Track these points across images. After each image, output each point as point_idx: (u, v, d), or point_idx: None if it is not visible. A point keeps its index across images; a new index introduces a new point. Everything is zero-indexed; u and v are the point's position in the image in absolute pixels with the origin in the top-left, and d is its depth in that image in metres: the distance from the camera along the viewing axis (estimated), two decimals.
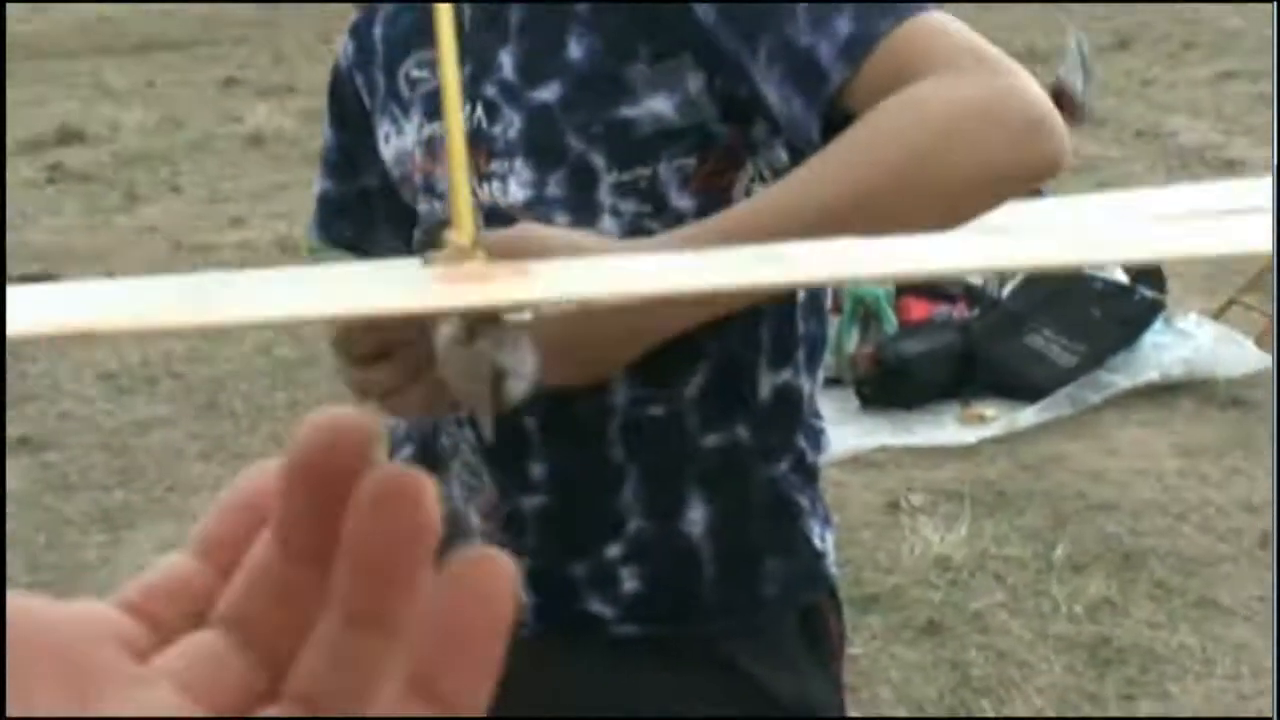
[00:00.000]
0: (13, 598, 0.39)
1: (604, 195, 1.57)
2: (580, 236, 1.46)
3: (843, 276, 0.36)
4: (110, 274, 8.83)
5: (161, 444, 6.05)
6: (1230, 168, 9.61)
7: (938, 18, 1.44)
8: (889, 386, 5.84)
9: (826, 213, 1.35)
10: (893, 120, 1.37)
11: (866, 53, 1.42)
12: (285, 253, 8.99)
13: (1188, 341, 6.06)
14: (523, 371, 0.45)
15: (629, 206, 1.57)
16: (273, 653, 0.43)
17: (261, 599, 0.43)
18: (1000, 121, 1.35)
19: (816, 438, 1.75)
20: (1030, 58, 13.39)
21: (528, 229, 1.47)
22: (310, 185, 1.94)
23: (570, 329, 1.38)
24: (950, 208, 1.37)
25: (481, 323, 0.43)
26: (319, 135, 1.92)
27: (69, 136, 13.24)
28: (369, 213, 1.87)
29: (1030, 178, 1.36)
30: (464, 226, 0.45)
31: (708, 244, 1.37)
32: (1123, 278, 6.31)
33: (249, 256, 9.26)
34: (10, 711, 0.37)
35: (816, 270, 0.38)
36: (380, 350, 1.44)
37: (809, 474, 1.74)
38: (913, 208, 1.36)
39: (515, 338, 0.44)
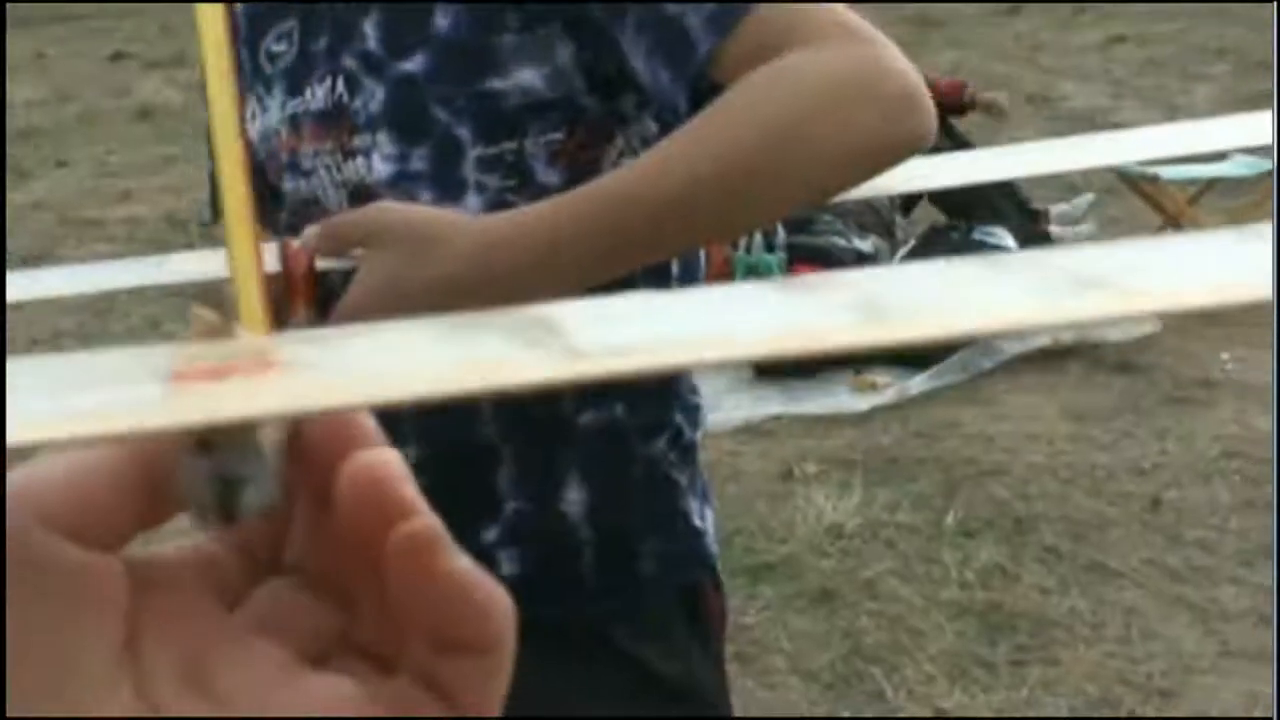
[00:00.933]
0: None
1: (469, 170, 1.54)
2: (437, 214, 1.44)
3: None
4: None
5: None
6: (1119, 132, 9.68)
7: None
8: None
9: (694, 184, 1.33)
10: (761, 92, 1.35)
11: (735, 23, 1.40)
12: (173, 227, 8.92)
13: None
14: (260, 478, 0.42)
15: (494, 181, 1.54)
16: (340, 593, 0.47)
17: (322, 549, 0.47)
18: (870, 96, 1.33)
19: (694, 414, 1.74)
20: (921, 23, 13.47)
21: (383, 209, 1.44)
22: (200, 158, 1.91)
23: (422, 308, 1.36)
24: (818, 180, 1.36)
25: (215, 431, 0.41)
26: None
27: None
28: (258, 187, 1.83)
29: (898, 152, 1.35)
30: (250, 306, 0.42)
31: (569, 218, 1.37)
32: (1011, 243, 6.35)
33: (137, 231, 9.17)
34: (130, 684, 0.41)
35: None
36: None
37: (687, 451, 1.72)
38: (780, 179, 1.34)
39: (251, 444, 0.42)
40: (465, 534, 0.45)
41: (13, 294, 1.62)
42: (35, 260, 8.50)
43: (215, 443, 0.40)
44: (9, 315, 7.01)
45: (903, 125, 1.34)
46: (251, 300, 0.42)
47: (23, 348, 6.86)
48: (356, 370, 0.36)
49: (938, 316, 0.32)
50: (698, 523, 1.74)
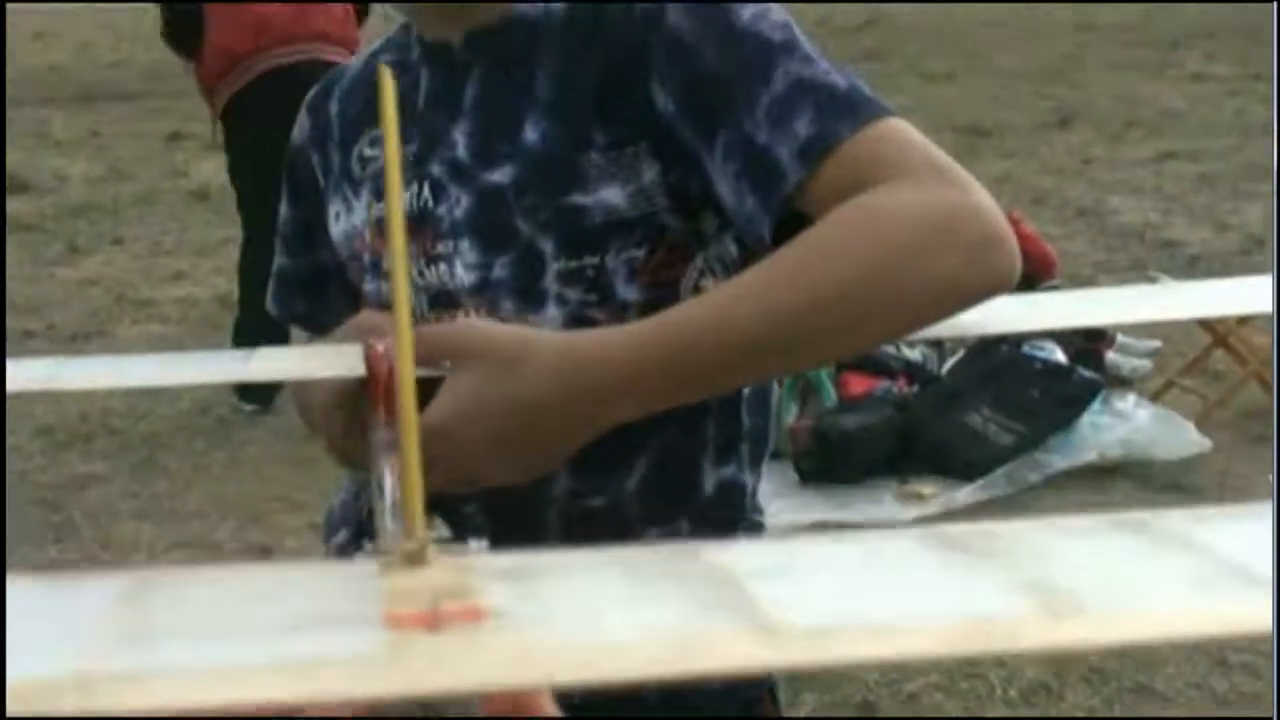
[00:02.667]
0: None
1: (550, 282, 1.56)
2: (522, 333, 1.45)
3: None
4: (50, 326, 8.79)
5: (97, 501, 6.00)
6: (1169, 248, 9.67)
7: (897, 125, 1.43)
8: (827, 460, 5.80)
9: (774, 318, 1.34)
10: (846, 230, 1.36)
11: (824, 155, 1.41)
12: (226, 309, 8.94)
13: (1126, 423, 6.05)
14: (469, 713, 0.45)
15: (574, 295, 1.56)
16: None
17: None
18: (954, 237, 1.34)
19: (758, 533, 1.74)
20: (973, 133, 13.48)
21: (469, 326, 1.46)
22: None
23: (505, 425, 1.38)
24: (900, 321, 1.37)
25: None
26: None
27: (13, 186, 13.15)
28: (324, 288, 1.86)
29: (981, 294, 1.35)
30: (414, 528, 0.44)
31: (649, 344, 1.38)
32: (1062, 358, 6.33)
33: (190, 311, 9.22)
34: None
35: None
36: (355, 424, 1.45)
37: None
38: (861, 319, 1.35)
39: (468, 699, 0.45)
40: None
41: (109, 380, 1.64)
42: (87, 338, 8.55)
43: (439, 701, 0.43)
44: (57, 395, 7.04)
45: (987, 268, 1.35)
46: (416, 510, 0.45)
47: (73, 424, 6.89)
48: (567, 635, 0.37)
49: (1115, 621, 0.33)
50: None
